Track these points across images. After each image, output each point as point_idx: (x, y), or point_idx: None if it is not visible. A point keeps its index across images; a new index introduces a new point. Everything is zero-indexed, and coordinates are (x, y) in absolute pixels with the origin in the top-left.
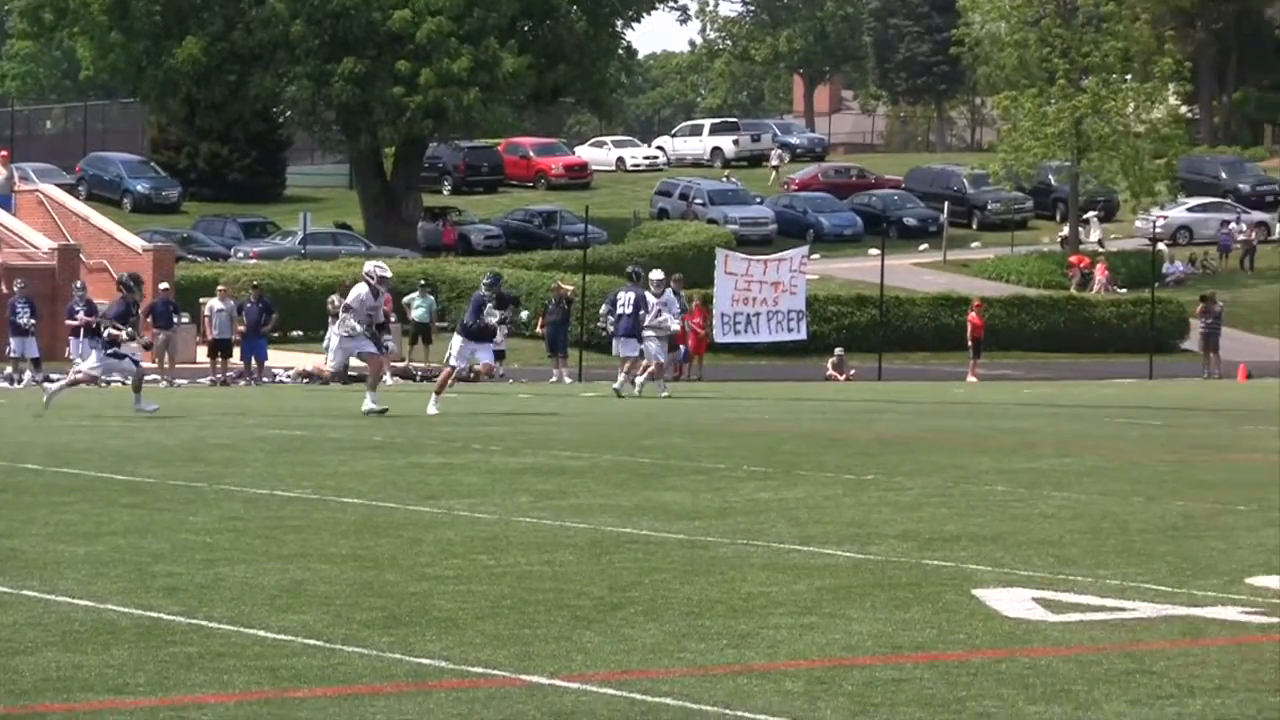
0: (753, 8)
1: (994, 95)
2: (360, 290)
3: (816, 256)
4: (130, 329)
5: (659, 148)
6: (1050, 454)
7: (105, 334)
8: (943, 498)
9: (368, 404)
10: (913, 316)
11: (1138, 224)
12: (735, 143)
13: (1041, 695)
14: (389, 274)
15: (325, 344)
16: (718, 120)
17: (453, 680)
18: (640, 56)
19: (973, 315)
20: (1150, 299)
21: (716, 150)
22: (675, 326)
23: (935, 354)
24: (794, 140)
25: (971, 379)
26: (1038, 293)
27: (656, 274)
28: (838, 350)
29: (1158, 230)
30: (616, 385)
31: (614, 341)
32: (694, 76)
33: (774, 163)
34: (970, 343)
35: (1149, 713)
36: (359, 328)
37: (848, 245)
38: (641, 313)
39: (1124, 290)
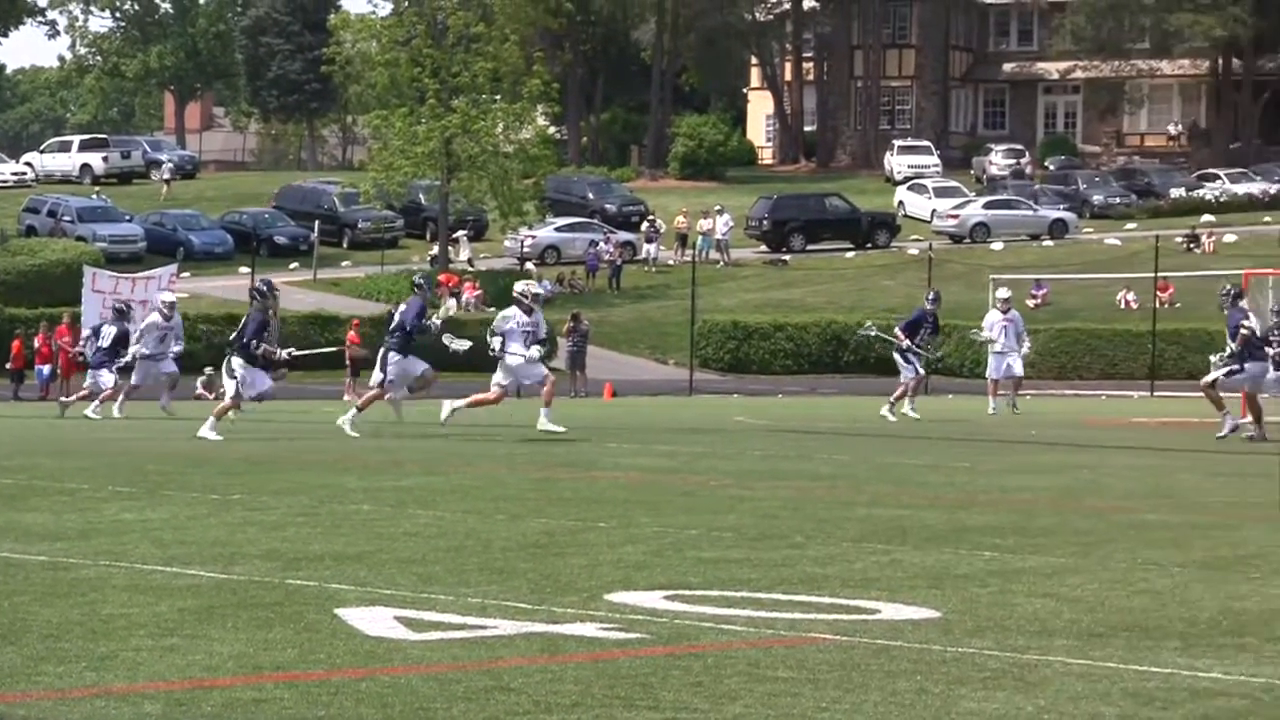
0: (124, 24)
1: (365, 114)
2: (511, 312)
3: (187, 274)
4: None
5: (27, 164)
6: (417, 472)
7: (260, 351)
8: (307, 517)
9: (544, 423)
10: (283, 335)
11: (507, 243)
12: (105, 159)
13: (400, 714)
14: (542, 291)
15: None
16: (87, 136)
17: None
18: (8, 71)
19: (351, 334)
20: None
21: (86, 167)
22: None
23: (310, 374)
24: (164, 157)
25: (349, 398)
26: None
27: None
28: (207, 369)
29: (526, 249)
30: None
31: None
32: (64, 92)
33: (165, 176)
34: (349, 362)
35: None
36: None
37: (218, 263)
38: None
39: (493, 309)
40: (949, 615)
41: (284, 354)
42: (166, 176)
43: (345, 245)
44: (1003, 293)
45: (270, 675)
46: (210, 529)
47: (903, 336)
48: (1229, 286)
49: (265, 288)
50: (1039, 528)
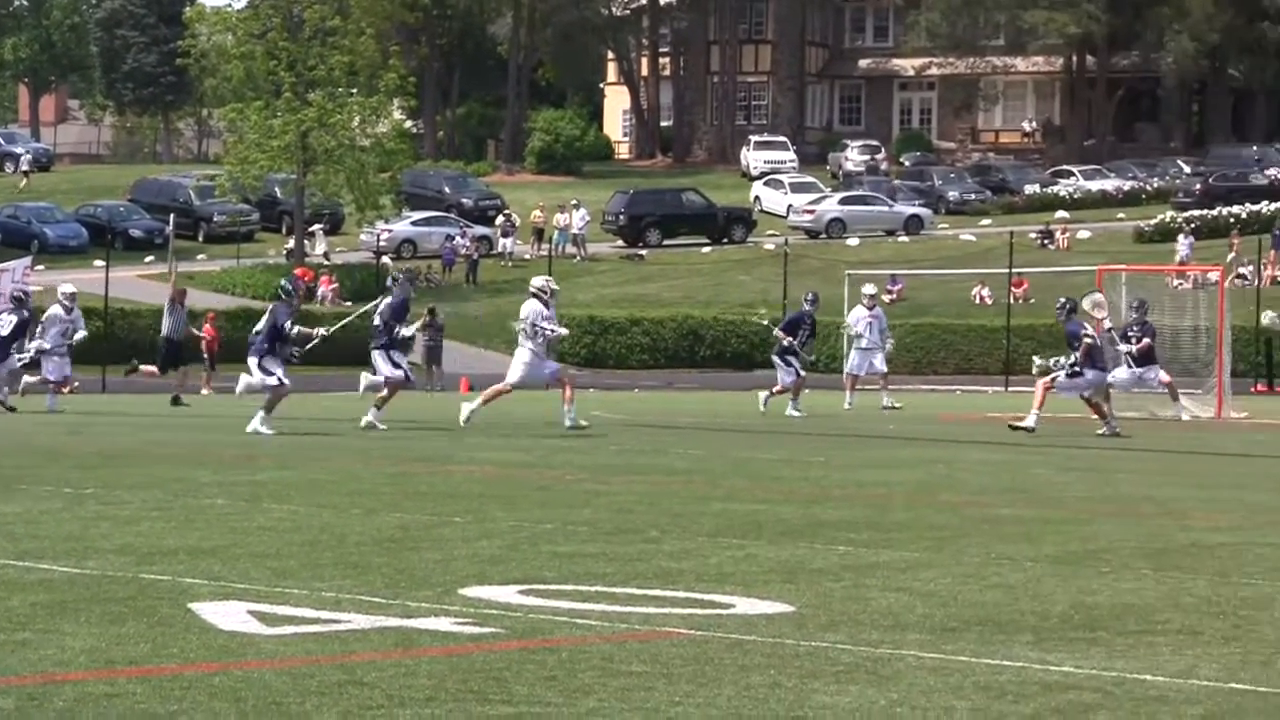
0: None
1: (221, 107)
2: (533, 305)
3: (41, 267)
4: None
5: None
6: (271, 466)
7: (295, 333)
8: (162, 511)
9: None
10: (139, 329)
11: (363, 237)
12: None
13: (253, 708)
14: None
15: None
16: None
17: None
18: None
19: (208, 328)
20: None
21: None
22: None
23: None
24: (20, 150)
25: (206, 391)
26: (264, 305)
27: None
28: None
29: (382, 244)
30: None
31: None
32: None
33: (24, 168)
34: (206, 355)
35: None
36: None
37: (73, 256)
38: None
39: (350, 303)
40: (803, 609)
41: (319, 332)
42: (25, 169)
43: (201, 239)
44: (869, 289)
45: (123, 670)
46: (64, 523)
47: (784, 336)
48: (1064, 300)
49: (290, 287)
50: (893, 522)
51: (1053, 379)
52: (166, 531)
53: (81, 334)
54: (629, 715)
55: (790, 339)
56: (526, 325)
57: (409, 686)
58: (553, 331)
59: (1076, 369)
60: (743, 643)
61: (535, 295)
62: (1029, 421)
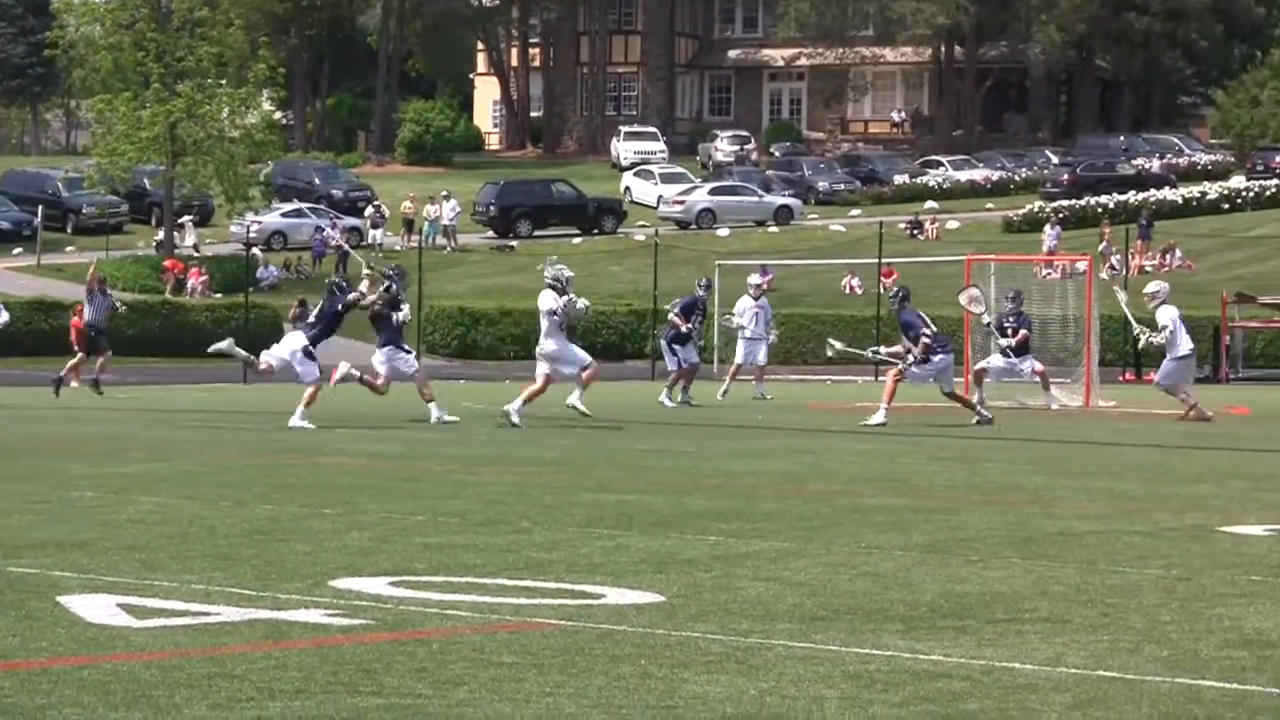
0: None
1: (89, 98)
2: (550, 295)
3: None
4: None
5: None
6: (142, 459)
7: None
8: (30, 504)
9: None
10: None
11: (233, 229)
12: None
13: (122, 701)
14: (571, 274)
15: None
16: None
17: None
18: None
19: (75, 320)
20: (245, 303)
21: None
22: None
23: (32, 358)
24: None
25: (75, 385)
26: (134, 297)
27: None
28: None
29: (252, 235)
30: None
31: None
32: None
33: None
34: (76, 346)
35: (229, 715)
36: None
37: None
38: None
39: (219, 295)
40: (673, 599)
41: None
42: None
43: (69, 230)
44: (755, 279)
45: None
46: None
47: (681, 321)
48: (897, 288)
49: (394, 273)
50: (763, 512)
51: (900, 370)
52: (35, 524)
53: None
54: (499, 706)
55: (687, 324)
56: (558, 312)
57: (279, 679)
58: (575, 306)
59: (923, 359)
60: (613, 633)
61: (550, 286)
62: (878, 418)
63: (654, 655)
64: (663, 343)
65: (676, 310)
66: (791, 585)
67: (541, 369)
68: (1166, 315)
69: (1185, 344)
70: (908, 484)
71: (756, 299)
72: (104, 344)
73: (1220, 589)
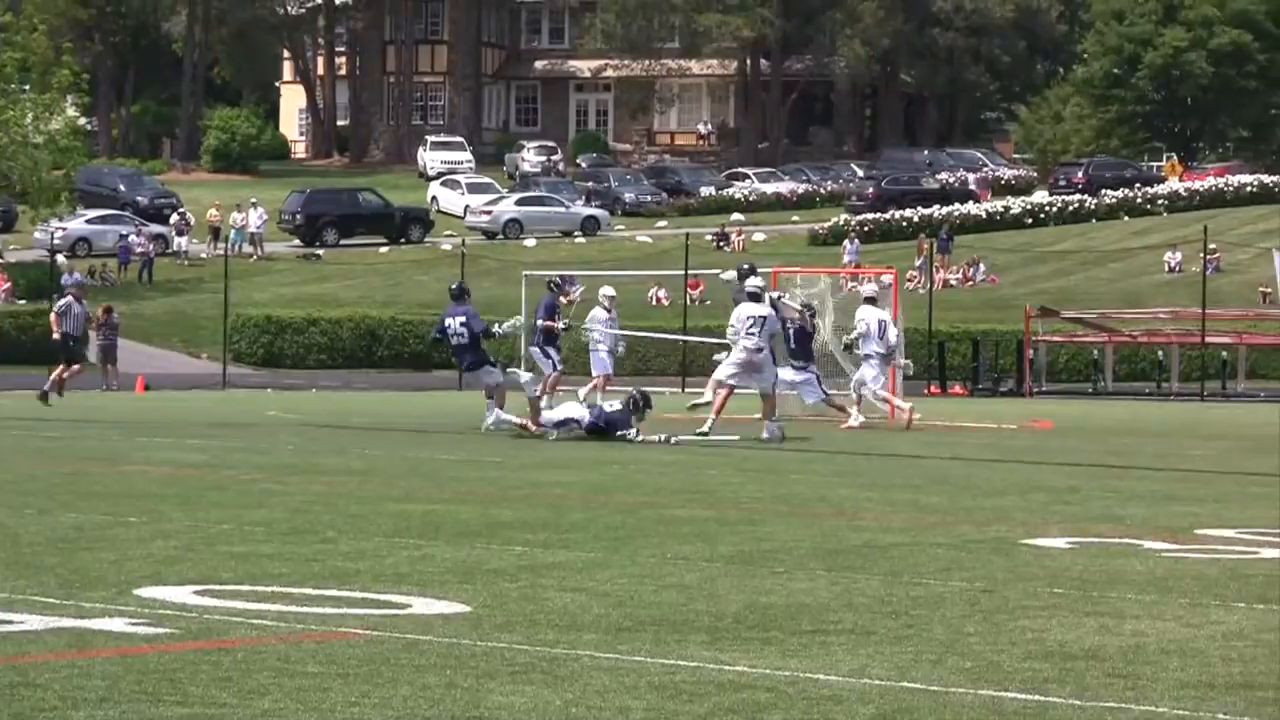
0: None
1: None
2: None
3: None
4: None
5: None
6: None
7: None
8: None
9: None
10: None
11: (37, 235)
12: None
13: None
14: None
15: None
16: None
17: None
18: None
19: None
20: (50, 310)
21: None
22: None
23: None
24: None
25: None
26: None
27: None
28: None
29: (57, 242)
30: None
31: None
32: None
33: None
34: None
35: None
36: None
37: None
38: None
39: (23, 301)
40: (479, 610)
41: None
42: None
43: None
44: (608, 290)
45: None
46: None
47: (553, 323)
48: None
49: (561, 280)
50: (570, 523)
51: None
52: None
53: None
54: (304, 716)
55: (561, 322)
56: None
57: (82, 687)
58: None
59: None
60: (419, 643)
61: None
62: (706, 426)
63: (459, 665)
64: (535, 350)
65: (542, 315)
66: (597, 596)
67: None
68: (860, 315)
69: (873, 346)
70: (714, 495)
71: (609, 311)
72: (78, 352)
73: (1023, 601)
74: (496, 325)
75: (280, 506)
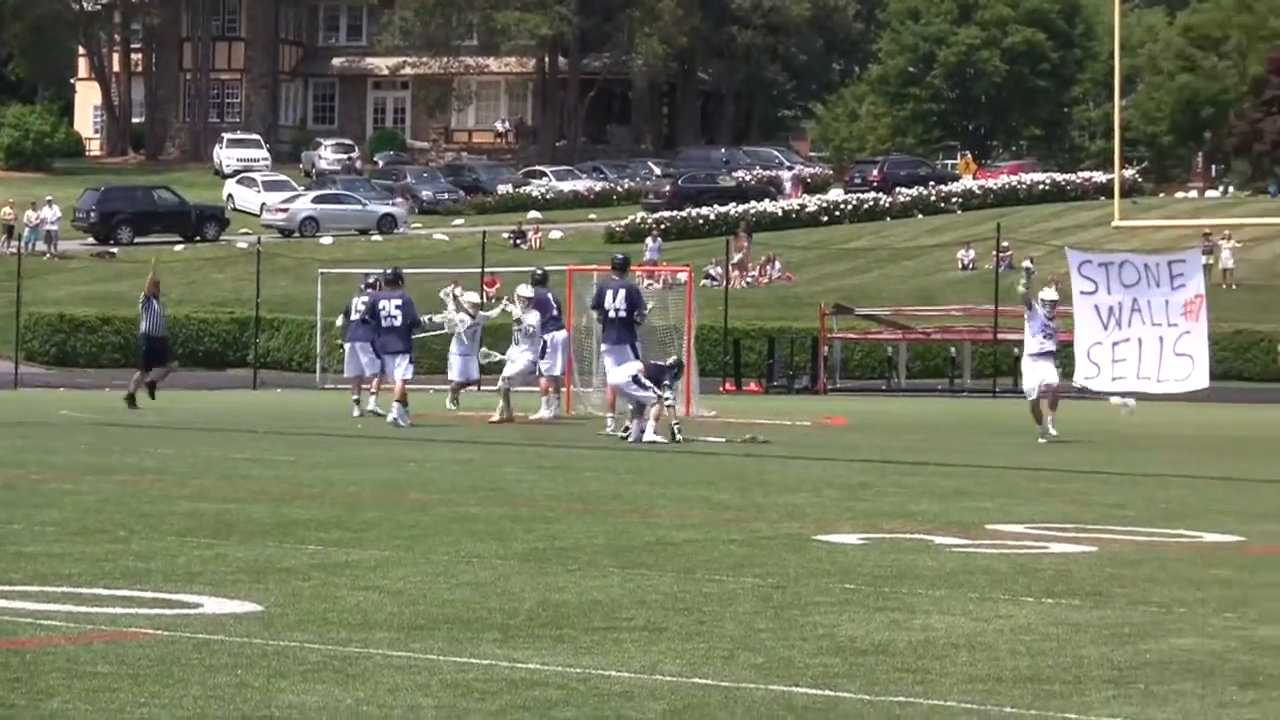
0: None
1: None
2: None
3: None
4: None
5: None
6: None
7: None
8: None
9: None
10: None
11: None
12: None
13: None
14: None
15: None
16: None
17: None
18: None
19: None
20: None
21: None
22: None
23: None
24: None
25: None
26: None
27: None
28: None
29: None
30: None
31: None
32: None
33: None
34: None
35: None
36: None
37: None
38: None
39: None
40: (271, 609)
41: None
42: None
43: None
44: (472, 296)
45: None
46: None
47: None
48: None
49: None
50: (363, 521)
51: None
52: None
53: None
54: (94, 717)
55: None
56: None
57: None
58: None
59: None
60: (210, 642)
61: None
62: (543, 412)
63: (251, 665)
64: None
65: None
66: (390, 594)
67: None
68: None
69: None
70: (508, 493)
71: (473, 315)
72: (165, 353)
73: (815, 597)
74: (428, 317)
75: (72, 506)
